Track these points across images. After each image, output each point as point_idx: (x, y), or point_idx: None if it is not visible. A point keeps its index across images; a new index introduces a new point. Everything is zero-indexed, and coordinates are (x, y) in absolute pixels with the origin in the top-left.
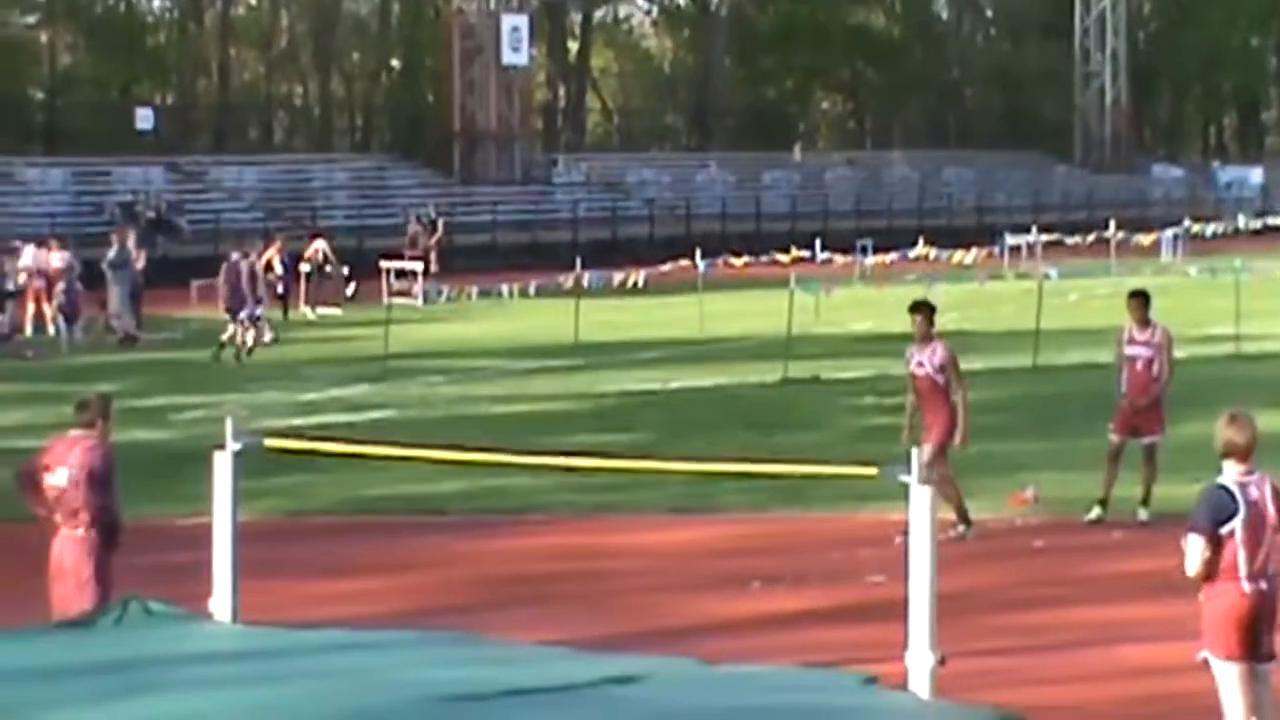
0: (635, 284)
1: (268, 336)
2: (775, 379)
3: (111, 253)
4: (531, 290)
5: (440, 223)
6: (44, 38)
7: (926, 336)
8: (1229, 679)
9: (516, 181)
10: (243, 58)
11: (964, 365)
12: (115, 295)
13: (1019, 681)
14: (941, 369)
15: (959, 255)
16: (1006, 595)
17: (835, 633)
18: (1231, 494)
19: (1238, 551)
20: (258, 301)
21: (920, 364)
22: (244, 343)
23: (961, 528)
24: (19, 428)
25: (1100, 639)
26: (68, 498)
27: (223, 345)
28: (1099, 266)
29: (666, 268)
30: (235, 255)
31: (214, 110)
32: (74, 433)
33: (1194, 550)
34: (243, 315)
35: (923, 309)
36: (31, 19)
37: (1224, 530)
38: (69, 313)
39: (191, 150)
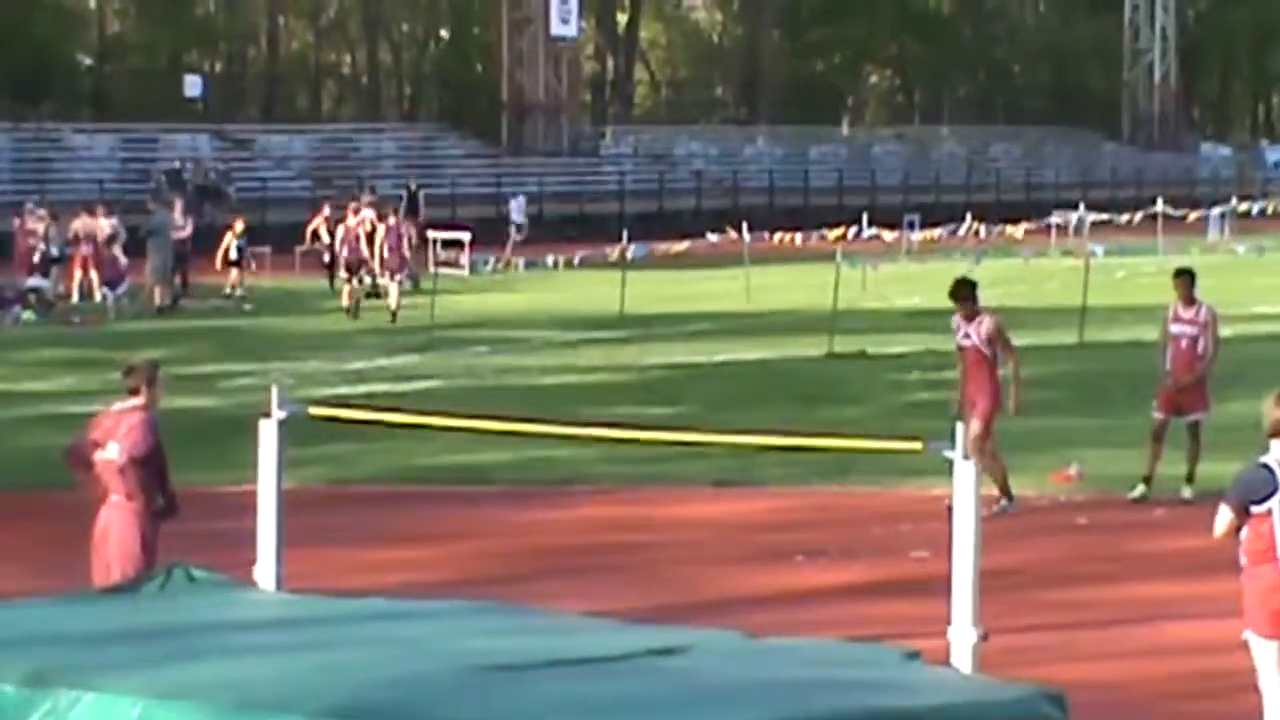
0: (680, 254)
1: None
2: (820, 353)
3: (154, 220)
4: (578, 261)
5: (420, 195)
6: (93, 4)
7: (972, 313)
8: (1268, 657)
9: (564, 153)
10: (291, 26)
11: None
12: (150, 263)
13: (1061, 658)
14: (990, 341)
15: (1006, 231)
16: (1050, 572)
17: (878, 607)
18: (1273, 473)
19: (1277, 532)
20: (401, 262)
21: (967, 335)
22: (398, 304)
23: (1004, 501)
24: (66, 393)
25: (1143, 616)
26: (119, 472)
27: (395, 312)
28: (1146, 244)
29: (714, 238)
30: (355, 219)
31: (262, 78)
32: (120, 405)
33: (1222, 519)
34: (401, 276)
35: (962, 290)
36: None
37: (1260, 509)
38: (113, 279)
39: (239, 118)
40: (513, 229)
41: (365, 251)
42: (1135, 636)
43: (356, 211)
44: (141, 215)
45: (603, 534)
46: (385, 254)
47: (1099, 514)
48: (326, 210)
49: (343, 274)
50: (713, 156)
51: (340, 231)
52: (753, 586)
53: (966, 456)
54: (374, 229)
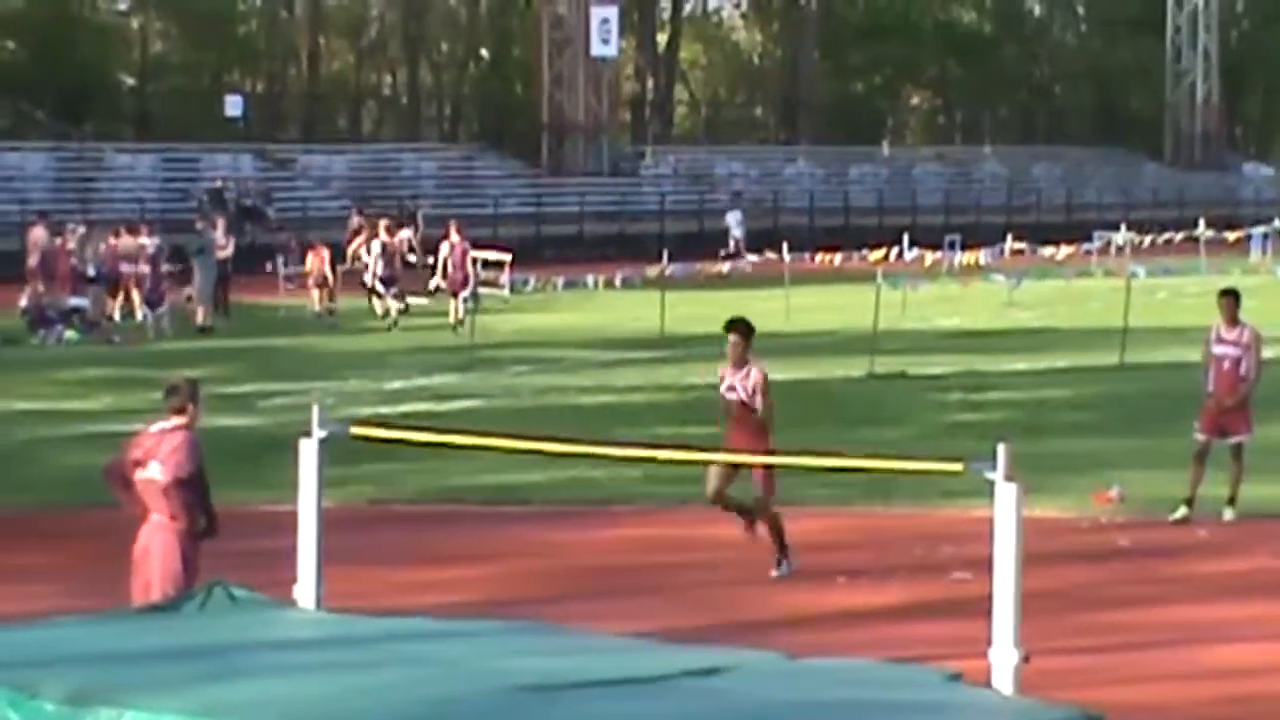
0: (721, 273)
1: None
2: (861, 374)
3: (203, 239)
4: (618, 282)
5: (420, 216)
6: (135, 24)
7: (741, 360)
8: None
9: (604, 173)
10: (332, 46)
11: (1051, 362)
12: (196, 282)
13: (1103, 680)
14: (756, 393)
15: (1048, 252)
16: (1091, 593)
17: (919, 628)
18: None
19: None
20: (465, 280)
21: (732, 388)
22: (460, 318)
23: (784, 565)
24: (107, 412)
25: (1185, 639)
26: (162, 492)
27: (459, 322)
28: (1188, 265)
29: (754, 259)
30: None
31: (303, 98)
32: (160, 425)
33: None
34: (465, 294)
35: (737, 328)
36: (123, 5)
37: None
38: (154, 299)
39: (280, 138)
40: (731, 242)
41: (400, 268)
42: (1177, 659)
43: (392, 232)
44: (183, 235)
45: (642, 554)
46: (450, 270)
47: (1140, 536)
48: (365, 232)
49: (380, 289)
50: (753, 177)
51: (376, 248)
52: (793, 607)
53: (1008, 478)
54: (411, 247)
